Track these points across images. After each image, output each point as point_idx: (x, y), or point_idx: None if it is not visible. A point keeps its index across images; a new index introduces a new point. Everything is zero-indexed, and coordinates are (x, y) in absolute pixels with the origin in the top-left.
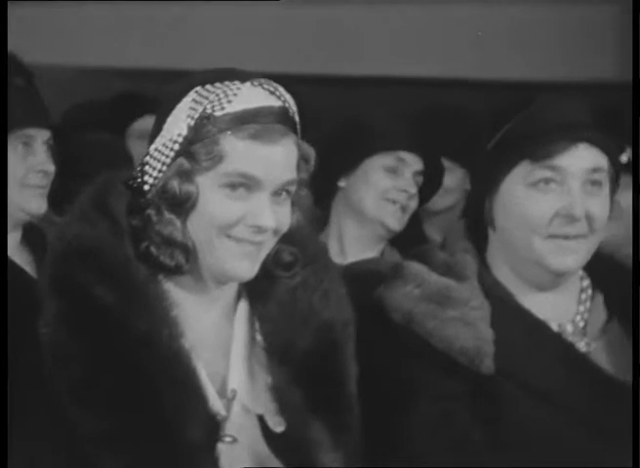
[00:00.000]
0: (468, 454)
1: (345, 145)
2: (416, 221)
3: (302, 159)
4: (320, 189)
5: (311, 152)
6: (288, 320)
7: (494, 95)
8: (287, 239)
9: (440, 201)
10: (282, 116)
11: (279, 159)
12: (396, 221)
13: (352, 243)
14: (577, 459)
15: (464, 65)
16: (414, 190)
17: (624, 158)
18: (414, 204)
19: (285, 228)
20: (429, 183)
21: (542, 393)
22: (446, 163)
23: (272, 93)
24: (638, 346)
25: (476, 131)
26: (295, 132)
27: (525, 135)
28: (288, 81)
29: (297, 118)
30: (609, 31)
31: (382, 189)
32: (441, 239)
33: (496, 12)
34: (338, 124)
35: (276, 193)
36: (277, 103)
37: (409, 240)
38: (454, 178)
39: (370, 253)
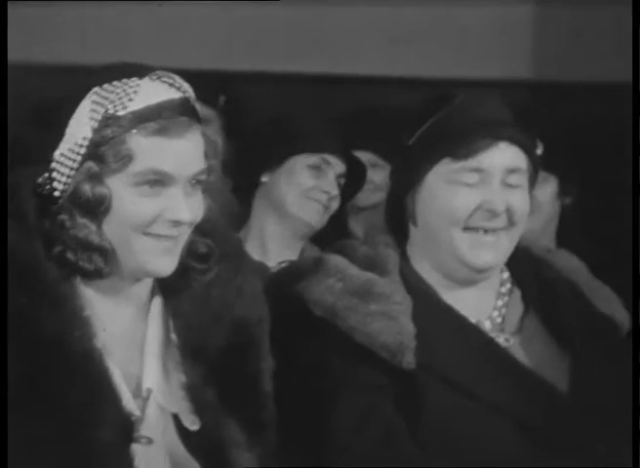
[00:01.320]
0: (391, 448)
1: (271, 142)
2: (341, 217)
3: (209, 146)
4: (242, 183)
5: (218, 139)
6: (201, 317)
7: (417, 92)
8: (201, 230)
9: (368, 197)
10: (184, 108)
11: (187, 151)
12: (316, 219)
13: (273, 239)
14: (497, 452)
15: (388, 63)
16: (335, 192)
17: (539, 151)
18: (335, 205)
19: (199, 218)
20: (351, 185)
21: (463, 387)
22: (376, 160)
23: (171, 85)
24: (638, 346)
25: (402, 128)
26: (198, 121)
27: (446, 132)
28: (223, 77)
29: (197, 106)
30: (522, 30)
31: (305, 188)
32: (363, 234)
33: (415, 10)
34: (265, 120)
35: (188, 185)
36: (177, 95)
37: (333, 236)
38: (383, 176)
39: (291, 249)
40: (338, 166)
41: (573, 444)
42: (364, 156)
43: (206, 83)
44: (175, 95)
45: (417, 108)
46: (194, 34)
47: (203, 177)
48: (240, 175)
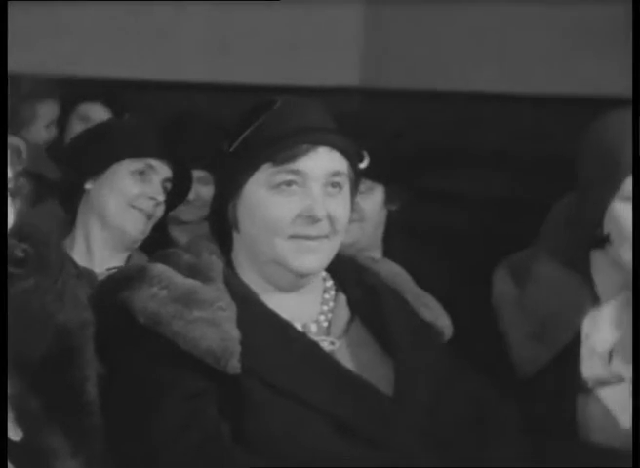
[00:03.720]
0: (217, 454)
1: (94, 148)
2: (165, 225)
3: (13, 153)
4: (67, 190)
5: (21, 144)
6: (22, 325)
7: (239, 98)
8: (18, 235)
9: (195, 213)
10: None
11: None
12: (139, 229)
13: (99, 246)
14: (320, 454)
15: (214, 69)
16: (161, 198)
17: (363, 164)
18: (160, 211)
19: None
20: (177, 191)
21: (287, 390)
22: (202, 174)
23: None
24: (638, 346)
25: (223, 135)
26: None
27: (266, 138)
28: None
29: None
30: (349, 37)
31: (130, 196)
32: (186, 241)
33: (241, 15)
34: (89, 127)
35: None
36: None
37: (158, 244)
38: (210, 190)
39: (117, 256)
40: (163, 170)
41: (396, 445)
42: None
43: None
44: None
45: (237, 115)
46: None
47: (11, 184)
48: (64, 181)
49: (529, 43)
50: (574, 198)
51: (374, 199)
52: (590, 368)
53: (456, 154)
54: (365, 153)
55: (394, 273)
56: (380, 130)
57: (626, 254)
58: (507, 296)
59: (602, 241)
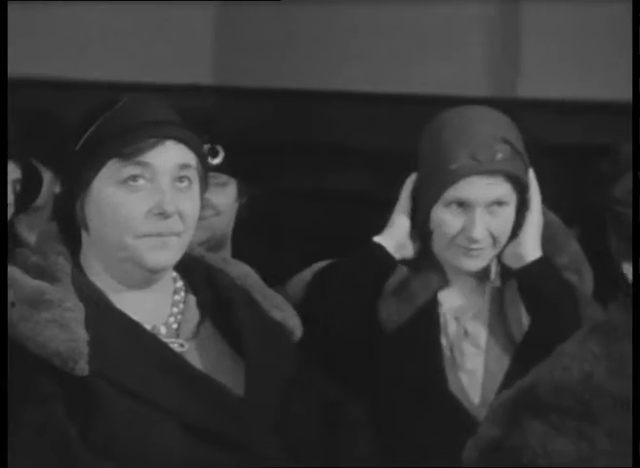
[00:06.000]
0: (66, 458)
1: None
2: (13, 226)
3: None
4: None
5: None
6: None
7: (90, 97)
8: None
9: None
10: None
11: None
12: None
13: None
14: (173, 458)
15: (67, 67)
16: (11, 199)
17: (218, 160)
18: (9, 212)
19: None
20: (27, 192)
21: (136, 391)
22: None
23: None
24: (638, 346)
25: (68, 133)
26: None
27: (112, 133)
28: None
29: None
30: (203, 35)
31: None
32: (34, 241)
33: (94, 12)
34: None
35: None
36: None
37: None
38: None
39: None
40: (12, 172)
41: (246, 445)
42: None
43: None
44: None
45: (83, 113)
46: None
47: None
48: None
49: (383, 43)
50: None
51: (228, 194)
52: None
53: (309, 151)
54: (220, 148)
55: (244, 273)
56: (234, 126)
57: (445, 251)
58: None
59: (428, 236)
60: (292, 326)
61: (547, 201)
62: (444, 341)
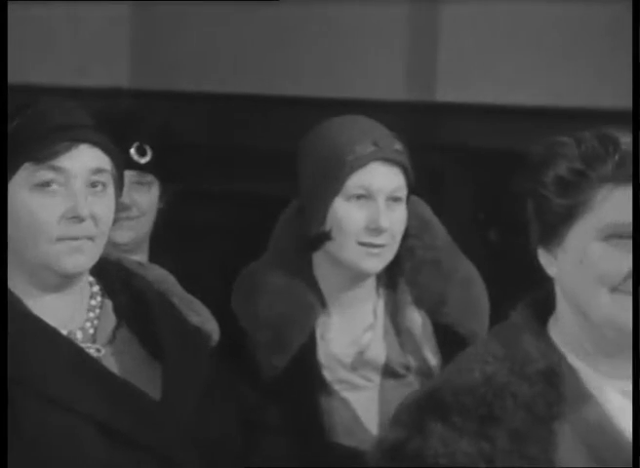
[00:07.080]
0: None
1: None
2: None
3: None
4: None
5: None
6: None
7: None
8: None
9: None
10: None
11: None
12: None
13: None
14: (90, 463)
15: None
16: None
17: (145, 159)
18: None
19: None
20: None
21: (54, 398)
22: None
23: None
24: (638, 346)
25: None
26: None
27: (26, 137)
28: None
29: None
30: (121, 37)
31: None
32: None
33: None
34: None
35: None
36: None
37: None
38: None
39: None
40: None
41: (163, 448)
42: None
43: None
44: None
45: None
46: None
47: None
48: None
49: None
50: (296, 202)
51: (152, 194)
52: (330, 370)
53: (228, 154)
54: (148, 147)
55: (161, 277)
56: (153, 129)
57: (346, 251)
58: (241, 308)
59: (324, 238)
60: (209, 329)
61: (464, 202)
62: None
